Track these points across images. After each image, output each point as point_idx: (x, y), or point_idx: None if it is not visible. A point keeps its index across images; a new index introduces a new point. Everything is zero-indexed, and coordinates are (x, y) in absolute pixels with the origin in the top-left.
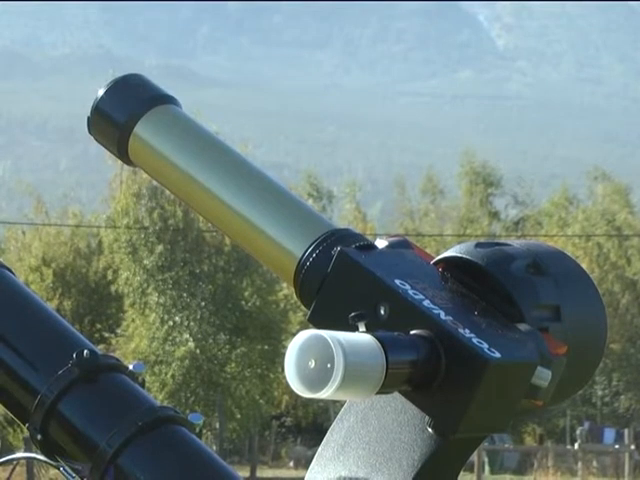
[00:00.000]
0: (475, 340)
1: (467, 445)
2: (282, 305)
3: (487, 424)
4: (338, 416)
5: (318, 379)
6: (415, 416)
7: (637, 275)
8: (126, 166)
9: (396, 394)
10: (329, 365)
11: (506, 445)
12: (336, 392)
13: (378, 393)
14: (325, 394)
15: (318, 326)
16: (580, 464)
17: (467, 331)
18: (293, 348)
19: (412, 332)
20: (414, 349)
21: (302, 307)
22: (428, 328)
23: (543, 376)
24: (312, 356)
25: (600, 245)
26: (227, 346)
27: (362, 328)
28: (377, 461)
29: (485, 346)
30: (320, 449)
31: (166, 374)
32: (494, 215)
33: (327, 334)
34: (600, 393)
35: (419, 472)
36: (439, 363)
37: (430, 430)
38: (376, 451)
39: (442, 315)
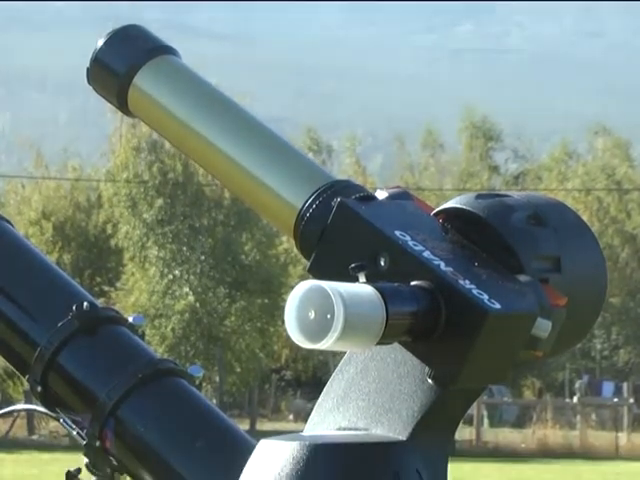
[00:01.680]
0: (475, 291)
1: (467, 396)
2: (282, 259)
3: (487, 375)
4: (338, 367)
5: (318, 330)
6: (415, 367)
7: (637, 229)
8: (126, 120)
9: (396, 345)
10: (329, 316)
11: (505, 399)
12: (336, 343)
13: (378, 344)
14: (325, 345)
15: (318, 277)
16: (579, 417)
17: (467, 282)
18: (293, 299)
19: (412, 283)
20: (414, 300)
21: (302, 261)
22: (428, 279)
23: (543, 327)
24: (312, 307)
25: (600, 199)
26: (227, 300)
27: (362, 279)
28: (377, 412)
29: (485, 297)
30: (320, 400)
31: (166, 327)
32: (494, 169)
33: (327, 285)
34: (599, 347)
35: (419, 423)
36: (439, 314)
37: (430, 381)
38: (376, 402)
39: (442, 266)
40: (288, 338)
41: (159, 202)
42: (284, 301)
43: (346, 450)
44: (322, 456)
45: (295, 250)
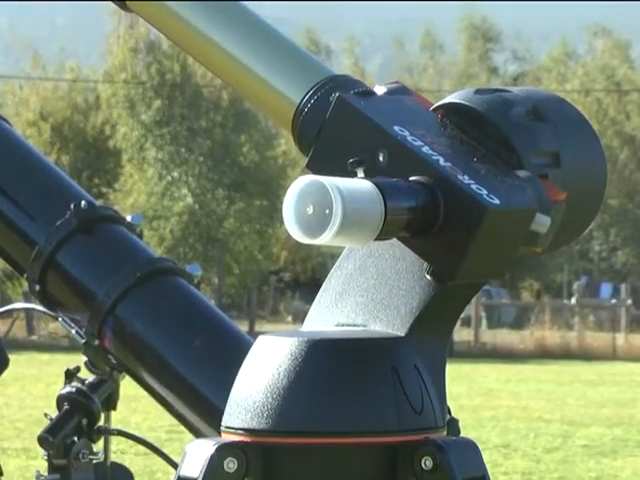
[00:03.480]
0: (474, 186)
1: (465, 292)
2: (280, 161)
3: (485, 270)
4: (336, 264)
5: (316, 225)
6: (413, 263)
7: (636, 130)
8: (123, 21)
9: (395, 241)
10: (327, 211)
11: (503, 300)
12: (334, 238)
13: (376, 239)
14: (323, 240)
15: (316, 173)
16: (577, 318)
17: (466, 177)
18: (291, 194)
19: (411, 178)
20: (413, 195)
21: (301, 163)
22: (427, 175)
23: (542, 222)
24: (310, 202)
25: (599, 100)
26: (225, 202)
27: (361, 174)
28: (375, 308)
29: (484, 192)
30: (318, 296)
31: (164, 229)
32: (493, 71)
33: (325, 180)
34: (597, 248)
35: (417, 319)
36: (438, 210)
37: (428, 277)
38: (374, 298)
39: (441, 161)
40: (287, 240)
41: (157, 103)
42: (282, 203)
43: (344, 346)
44: (320, 352)
45: (294, 152)
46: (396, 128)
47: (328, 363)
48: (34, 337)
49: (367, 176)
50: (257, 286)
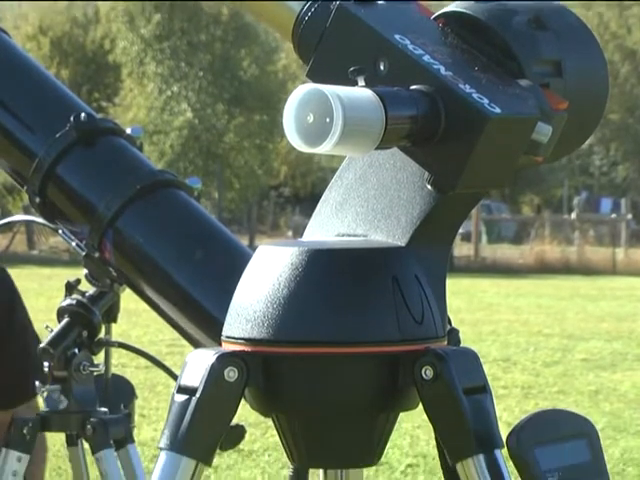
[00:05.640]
0: (475, 95)
1: (466, 202)
2: (281, 75)
3: (486, 180)
4: (336, 174)
5: (317, 133)
6: (414, 173)
7: (637, 44)
8: None
9: (396, 151)
10: (328, 119)
11: (503, 215)
12: (335, 147)
13: (377, 148)
14: (324, 149)
15: (317, 81)
16: (577, 233)
17: (467, 86)
18: (292, 102)
19: (412, 87)
20: (414, 104)
21: (301, 77)
22: (428, 83)
23: (543, 131)
24: (311, 110)
25: (600, 14)
26: (225, 116)
27: (361, 83)
28: (376, 218)
29: (485, 101)
30: (318, 207)
31: (164, 144)
32: None
33: (326, 88)
34: (598, 163)
35: (418, 229)
36: (439, 118)
37: (429, 187)
38: (375, 208)
39: (442, 70)
40: (287, 155)
41: (157, 18)
42: (283, 117)
43: (345, 256)
44: (321, 262)
45: (294, 66)
46: (397, 36)
47: (328, 273)
48: (35, 252)
49: (368, 85)
50: (257, 201)
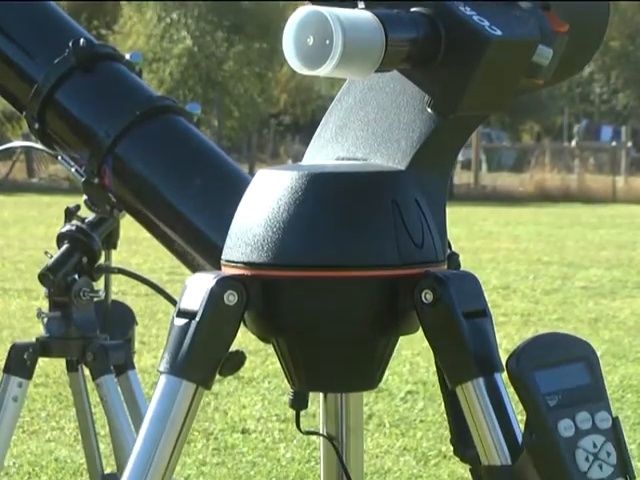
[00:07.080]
0: (476, 17)
1: (466, 125)
2: (280, 3)
3: (487, 102)
4: (336, 97)
5: (317, 55)
6: (414, 97)
7: None
8: None
9: (396, 74)
10: (328, 41)
11: (503, 143)
12: (335, 69)
13: (377, 71)
14: (324, 71)
15: (317, 3)
16: (577, 161)
17: (468, 9)
18: (291, 24)
19: (412, 9)
20: (414, 26)
21: (301, 5)
22: (428, 6)
23: (544, 54)
24: (310, 32)
25: None
26: (225, 44)
27: (361, 5)
28: (376, 142)
29: (486, 24)
30: (318, 130)
31: (164, 72)
32: None
33: (325, 10)
34: (598, 91)
35: (418, 152)
36: (439, 41)
37: (429, 110)
38: (375, 132)
39: None
40: (287, 83)
41: None
42: (282, 45)
43: (344, 179)
44: (320, 185)
45: None
46: None
47: (328, 196)
48: (34, 179)
49: (368, 7)
50: (257, 129)
